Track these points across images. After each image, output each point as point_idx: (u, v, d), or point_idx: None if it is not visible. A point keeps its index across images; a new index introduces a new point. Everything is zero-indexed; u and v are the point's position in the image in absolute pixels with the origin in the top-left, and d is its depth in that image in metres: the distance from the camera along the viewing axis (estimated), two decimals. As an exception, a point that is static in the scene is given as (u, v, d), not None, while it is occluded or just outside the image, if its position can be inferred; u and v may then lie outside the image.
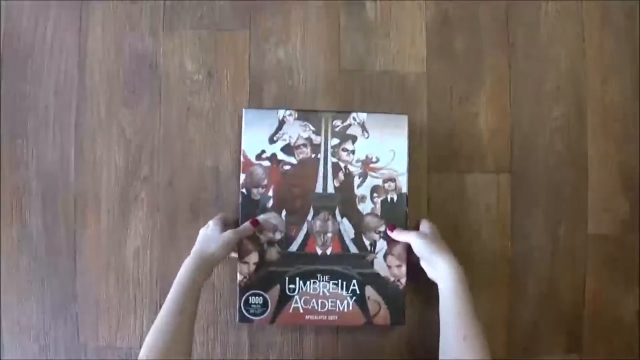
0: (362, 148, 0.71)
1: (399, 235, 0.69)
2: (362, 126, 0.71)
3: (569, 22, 0.79)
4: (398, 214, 0.70)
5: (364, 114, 0.71)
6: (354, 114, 0.71)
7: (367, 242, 0.70)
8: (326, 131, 0.71)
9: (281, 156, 0.70)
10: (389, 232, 0.69)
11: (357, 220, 0.70)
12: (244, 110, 0.70)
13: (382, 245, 0.70)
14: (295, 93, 0.76)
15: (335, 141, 0.71)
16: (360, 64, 0.77)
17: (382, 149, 0.71)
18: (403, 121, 0.71)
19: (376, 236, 0.70)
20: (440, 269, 0.62)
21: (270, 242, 0.69)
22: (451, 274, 0.61)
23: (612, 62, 0.79)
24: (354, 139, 0.71)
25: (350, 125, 0.71)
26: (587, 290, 0.78)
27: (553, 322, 0.77)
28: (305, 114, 0.71)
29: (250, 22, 0.76)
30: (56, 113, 0.76)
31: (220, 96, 0.76)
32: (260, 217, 0.69)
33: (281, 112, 0.70)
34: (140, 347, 0.56)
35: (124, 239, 0.75)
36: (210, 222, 0.67)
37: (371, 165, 0.70)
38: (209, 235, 0.66)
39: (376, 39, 0.77)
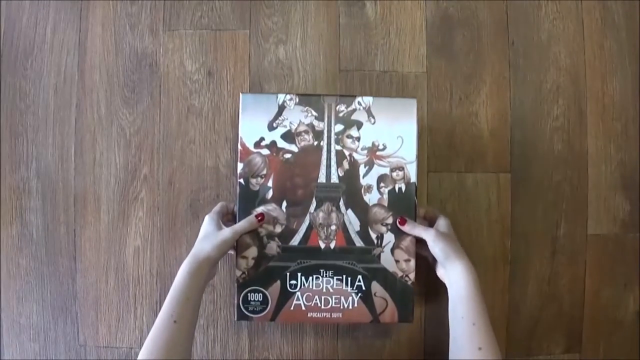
0: (368, 135, 0.66)
1: (412, 230, 0.65)
2: (368, 111, 0.66)
3: (569, 22, 0.79)
4: (406, 204, 0.66)
5: (370, 98, 0.67)
6: (359, 98, 0.67)
7: (373, 235, 0.66)
8: (329, 117, 0.66)
9: (281, 144, 0.66)
10: (399, 226, 0.65)
11: (362, 211, 0.66)
12: (241, 94, 0.66)
13: (389, 238, 0.66)
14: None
15: (340, 127, 0.66)
16: (360, 63, 0.77)
17: (389, 135, 0.66)
18: (412, 105, 0.67)
19: (383, 229, 0.66)
20: (456, 273, 0.60)
21: (270, 236, 0.66)
22: (468, 280, 0.59)
23: (612, 62, 0.79)
24: (359, 124, 0.66)
25: (355, 110, 0.66)
26: (587, 290, 0.78)
27: (553, 322, 0.77)
28: (307, 99, 0.67)
29: (250, 22, 0.76)
30: (56, 112, 0.76)
31: (220, 96, 0.76)
32: (260, 209, 0.65)
33: (281, 97, 0.66)
34: (140, 347, 0.56)
35: (124, 239, 0.75)
36: (206, 218, 0.65)
37: (378, 153, 0.66)
38: (205, 234, 0.63)
39: (376, 39, 0.77)
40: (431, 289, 0.74)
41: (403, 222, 0.65)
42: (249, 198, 0.66)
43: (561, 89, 0.78)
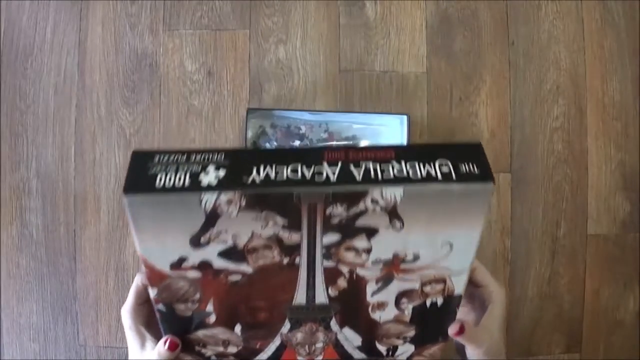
0: (387, 244, 0.37)
1: (468, 339, 0.44)
2: (393, 212, 0.34)
3: (569, 22, 0.79)
4: (440, 320, 0.44)
5: (399, 190, 0.32)
6: (374, 193, 0.32)
7: (382, 348, 0.45)
8: (311, 225, 0.35)
9: (220, 264, 0.37)
10: (454, 335, 0.44)
11: (367, 328, 0.44)
12: (125, 197, 0.29)
13: (406, 348, 0.45)
14: (295, 93, 0.76)
15: (333, 238, 0.36)
16: (360, 63, 0.77)
17: (428, 243, 0.37)
18: (483, 196, 0.34)
19: (399, 342, 0.45)
20: None
21: (222, 356, 0.45)
22: None
23: (612, 62, 0.79)
24: (370, 232, 0.36)
25: (365, 212, 0.34)
26: (587, 290, 0.78)
27: (553, 322, 0.77)
28: (263, 200, 0.32)
29: (250, 22, 0.76)
30: (56, 112, 0.76)
31: (220, 96, 0.76)
32: (200, 333, 0.43)
33: (209, 199, 0.31)
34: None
35: (124, 239, 0.75)
36: (125, 330, 0.43)
37: (403, 266, 0.39)
38: None
39: (376, 39, 0.77)
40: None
41: (462, 331, 0.44)
42: (178, 325, 0.41)
43: (561, 89, 0.78)
